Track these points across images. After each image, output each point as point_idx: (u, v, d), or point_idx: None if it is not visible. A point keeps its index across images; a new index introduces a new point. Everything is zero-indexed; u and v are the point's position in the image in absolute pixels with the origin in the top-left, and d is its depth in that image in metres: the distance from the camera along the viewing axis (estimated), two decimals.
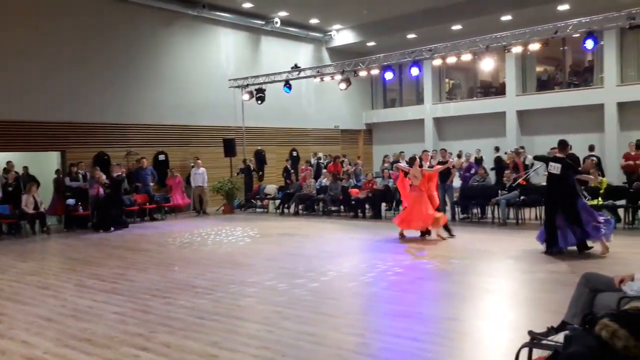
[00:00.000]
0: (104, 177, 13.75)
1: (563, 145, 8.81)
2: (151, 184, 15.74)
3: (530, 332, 3.69)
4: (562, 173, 8.45)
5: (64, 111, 15.12)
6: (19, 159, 14.40)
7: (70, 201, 13.93)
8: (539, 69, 21.80)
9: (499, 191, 12.69)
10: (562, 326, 4.14)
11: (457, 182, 14.50)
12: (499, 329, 5.28)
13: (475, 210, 13.50)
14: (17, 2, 14.32)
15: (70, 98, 15.24)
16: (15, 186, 13.39)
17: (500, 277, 7.53)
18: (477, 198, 13.14)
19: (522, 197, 12.30)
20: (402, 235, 10.89)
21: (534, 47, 13.13)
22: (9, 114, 14.06)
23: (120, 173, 14.01)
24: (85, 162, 15.10)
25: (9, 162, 13.82)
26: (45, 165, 15.53)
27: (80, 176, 14.42)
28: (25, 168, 14.20)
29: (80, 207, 13.97)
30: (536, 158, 10.91)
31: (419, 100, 24.06)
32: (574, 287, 4.38)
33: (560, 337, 3.25)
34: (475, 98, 22.96)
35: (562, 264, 7.96)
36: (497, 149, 18.34)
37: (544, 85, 21.34)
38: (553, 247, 8.51)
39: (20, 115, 14.26)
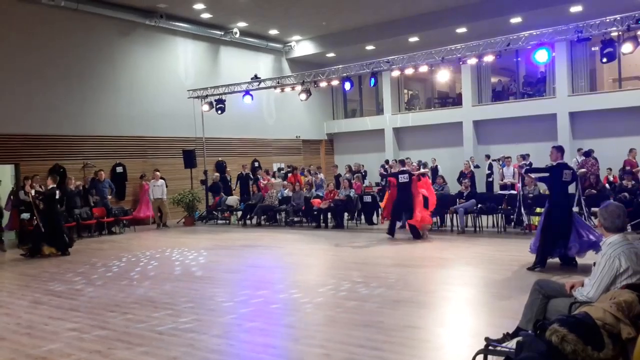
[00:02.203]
0: (32, 191, 12.08)
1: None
2: (109, 196, 15.44)
3: (486, 339, 3.80)
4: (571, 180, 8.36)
5: (17, 123, 14.70)
6: None
7: (25, 215, 13.51)
8: (493, 79, 22.41)
9: (457, 200, 12.95)
10: (517, 332, 4.27)
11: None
12: (458, 336, 5.39)
13: (434, 219, 13.71)
14: None
15: (24, 109, 14.85)
16: None
17: (459, 285, 7.68)
18: (436, 207, 13.34)
19: (479, 206, 12.59)
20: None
21: (488, 58, 13.51)
22: None
23: (53, 186, 11.90)
24: (40, 175, 14.67)
25: None
26: None
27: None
28: None
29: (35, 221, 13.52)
30: (532, 170, 10.41)
31: (379, 110, 24.38)
32: None
33: (514, 343, 3.36)
34: (433, 108, 23.42)
35: (519, 271, 8.17)
36: (487, 157, 18.59)
37: (499, 95, 21.94)
38: (541, 265, 8.12)
39: None
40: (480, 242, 11.18)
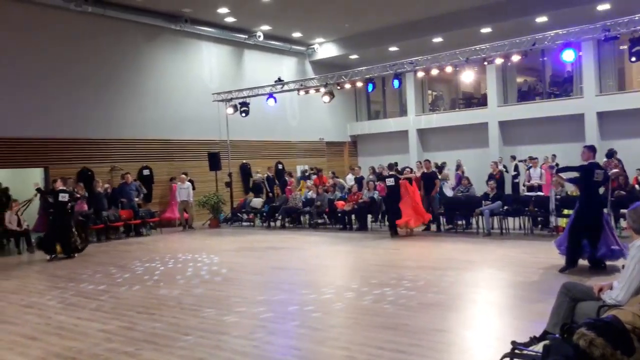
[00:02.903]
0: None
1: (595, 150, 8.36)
2: (136, 199, 15.67)
3: (513, 342, 3.76)
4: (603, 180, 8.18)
5: (47, 127, 15.04)
6: (1, 176, 14.28)
7: None
8: (519, 79, 22.14)
9: (483, 201, 12.83)
10: (544, 336, 4.21)
11: (448, 193, 14.67)
12: (484, 339, 5.33)
13: (460, 221, 13.62)
14: (0, 19, 14.29)
15: (53, 114, 15.18)
16: None
17: (485, 287, 7.60)
18: (462, 209, 13.26)
19: (505, 207, 12.45)
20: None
21: (514, 58, 13.35)
22: None
23: (61, 188, 12.18)
24: (70, 178, 14.96)
25: None
26: (28, 182, 15.38)
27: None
28: None
29: None
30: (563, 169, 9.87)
31: (403, 111, 24.28)
32: None
33: (541, 347, 3.32)
34: (457, 109, 23.22)
35: (546, 273, 8.06)
36: (513, 158, 18.39)
37: (525, 95, 21.66)
38: (571, 267, 7.95)
39: (2, 131, 14.16)
40: (506, 244, 11.05)
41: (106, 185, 15.44)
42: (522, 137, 20.39)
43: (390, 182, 13.04)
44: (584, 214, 7.95)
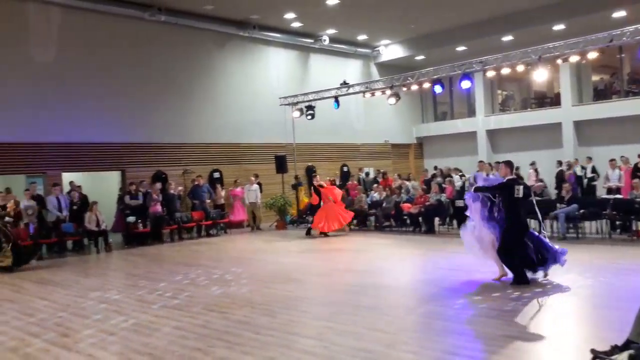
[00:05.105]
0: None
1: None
2: (207, 200, 16.15)
3: (592, 351, 3.61)
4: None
5: (124, 133, 15.78)
6: (81, 179, 15.10)
7: (131, 218, 14.42)
8: (595, 77, 21.16)
9: (557, 204, 12.35)
10: (627, 345, 4.01)
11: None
12: (560, 347, 5.13)
13: (533, 225, 13.15)
14: (80, 28, 15.08)
15: (130, 120, 15.92)
16: (80, 205, 13.97)
17: (560, 293, 7.31)
18: (535, 212, 12.77)
19: (582, 211, 11.92)
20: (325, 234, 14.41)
21: (590, 56, 12.77)
22: (72, 136, 14.81)
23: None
24: (146, 181, 15.63)
25: (71, 182, 14.48)
26: (106, 184, 16.25)
27: (141, 194, 14.89)
28: (79, 187, 14.70)
29: (140, 224, 14.43)
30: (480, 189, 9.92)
31: (471, 112, 23.76)
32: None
33: (625, 356, 3.16)
34: (529, 109, 22.49)
35: (627, 279, 7.67)
36: (589, 159, 17.73)
37: (601, 94, 20.68)
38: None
39: (83, 137, 14.99)
40: (583, 249, 10.57)
41: (179, 188, 16.01)
42: (598, 138, 19.48)
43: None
44: (513, 232, 7.64)
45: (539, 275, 7.82)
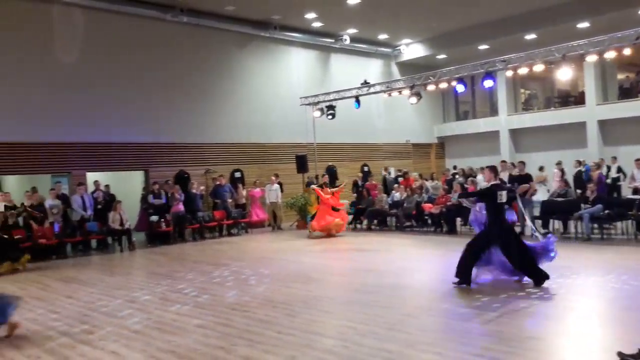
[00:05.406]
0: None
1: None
2: (229, 200, 16.26)
3: (619, 354, 3.56)
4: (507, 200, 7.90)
5: (148, 133, 15.97)
6: (106, 179, 15.31)
7: (154, 218, 14.59)
8: (620, 76, 20.79)
9: (582, 205, 12.16)
10: None
11: (544, 196, 14.08)
12: (585, 349, 5.05)
13: (556, 226, 12.99)
14: (103, 30, 15.29)
15: (153, 120, 16.09)
16: (104, 204, 14.17)
17: (585, 295, 7.21)
18: (559, 212, 12.64)
19: (607, 211, 11.72)
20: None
21: (615, 54, 12.54)
22: (97, 136, 15.03)
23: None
24: (169, 181, 15.79)
25: (96, 182, 14.71)
26: (130, 184, 16.45)
27: (163, 193, 15.06)
28: (107, 187, 14.98)
29: (163, 224, 14.59)
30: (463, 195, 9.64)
31: (493, 111, 23.54)
32: None
33: None
34: (552, 108, 22.19)
35: None
36: (614, 159, 17.46)
37: (627, 93, 20.31)
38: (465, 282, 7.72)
39: (107, 137, 15.21)
40: (608, 250, 10.41)
41: (201, 187, 16.15)
42: (624, 137, 19.13)
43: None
44: (492, 236, 7.63)
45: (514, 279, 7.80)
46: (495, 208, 7.66)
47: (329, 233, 14.67)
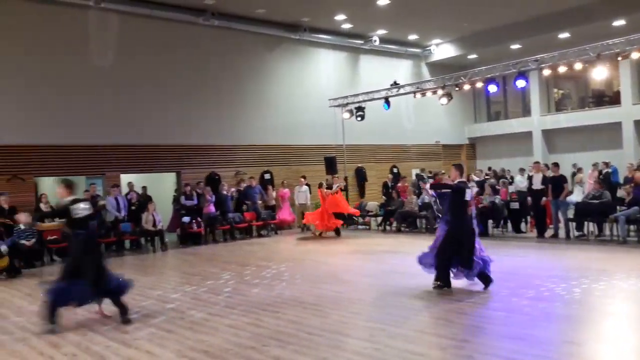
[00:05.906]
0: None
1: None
2: (259, 201, 16.38)
3: None
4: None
5: (179, 135, 16.18)
6: (139, 180, 15.58)
7: (186, 219, 14.79)
8: None
9: (618, 207, 11.88)
10: None
11: (578, 197, 13.82)
12: (622, 355, 4.95)
13: (591, 228, 12.72)
14: (136, 34, 15.58)
15: (184, 123, 16.30)
16: (137, 205, 14.43)
17: (622, 299, 7.04)
18: (594, 214, 12.37)
19: None
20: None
21: None
22: (130, 139, 15.31)
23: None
24: (201, 182, 15.97)
25: (129, 183, 14.99)
26: (163, 185, 16.72)
27: (195, 195, 15.25)
28: (144, 188, 15.29)
29: (195, 225, 14.78)
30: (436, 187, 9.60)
31: (526, 111, 23.17)
32: None
33: None
34: (587, 108, 21.74)
35: None
36: (605, 164, 17.14)
37: None
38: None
39: (140, 139, 15.47)
40: None
41: (232, 189, 16.30)
42: None
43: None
44: (456, 235, 7.71)
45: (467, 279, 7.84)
46: (459, 205, 7.89)
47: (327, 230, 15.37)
